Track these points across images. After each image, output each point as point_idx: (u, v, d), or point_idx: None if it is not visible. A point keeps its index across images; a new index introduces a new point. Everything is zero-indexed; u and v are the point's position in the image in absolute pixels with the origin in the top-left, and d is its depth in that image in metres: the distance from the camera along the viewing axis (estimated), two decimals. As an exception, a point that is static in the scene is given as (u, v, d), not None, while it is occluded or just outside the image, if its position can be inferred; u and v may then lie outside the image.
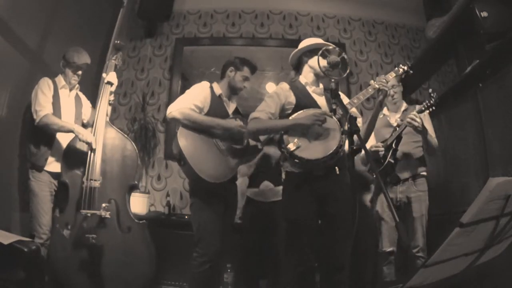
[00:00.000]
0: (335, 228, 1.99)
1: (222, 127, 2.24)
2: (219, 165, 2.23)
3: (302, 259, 1.99)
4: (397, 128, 2.46)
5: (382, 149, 2.49)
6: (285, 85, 2.24)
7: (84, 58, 2.54)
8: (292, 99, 2.17)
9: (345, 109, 1.79)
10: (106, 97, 2.50)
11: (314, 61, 2.13)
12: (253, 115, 2.14)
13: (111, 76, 2.57)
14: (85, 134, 2.35)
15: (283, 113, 2.17)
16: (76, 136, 2.35)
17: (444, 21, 3.21)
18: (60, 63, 2.56)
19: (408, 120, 2.35)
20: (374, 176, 2.68)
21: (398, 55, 4.23)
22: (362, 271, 2.85)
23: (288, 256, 2.11)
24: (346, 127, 1.74)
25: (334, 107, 1.83)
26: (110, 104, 2.62)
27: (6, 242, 1.80)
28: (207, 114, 2.30)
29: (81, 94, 2.71)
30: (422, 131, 2.41)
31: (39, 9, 2.78)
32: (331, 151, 1.93)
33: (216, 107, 2.35)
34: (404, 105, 2.75)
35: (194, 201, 2.27)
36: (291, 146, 1.97)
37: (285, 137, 2.03)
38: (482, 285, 1.55)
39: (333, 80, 1.87)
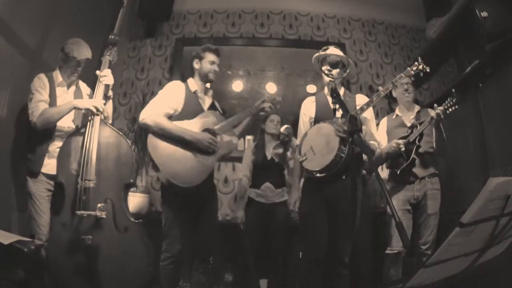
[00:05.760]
0: (336, 224, 2.16)
1: (193, 138, 2.22)
2: (193, 168, 2.22)
3: (310, 251, 2.21)
4: (418, 126, 2.47)
5: (403, 146, 2.47)
6: (309, 99, 2.46)
7: (84, 53, 2.40)
8: (312, 112, 2.37)
9: (345, 109, 1.79)
10: (100, 93, 2.36)
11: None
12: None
13: (107, 79, 2.38)
14: (85, 102, 2.27)
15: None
16: (77, 109, 2.29)
17: (444, 21, 3.21)
18: (59, 56, 2.43)
19: (434, 114, 2.37)
20: (376, 177, 2.68)
21: (398, 55, 4.23)
22: (363, 269, 2.86)
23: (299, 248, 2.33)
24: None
25: (333, 107, 1.83)
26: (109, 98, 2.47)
27: (6, 242, 1.80)
28: (182, 112, 2.30)
29: (81, 84, 2.57)
30: (439, 127, 2.47)
31: (39, 9, 2.78)
32: (326, 165, 2.08)
33: (190, 104, 2.34)
34: (417, 107, 2.75)
35: (163, 199, 2.33)
36: (300, 157, 2.22)
37: (298, 148, 2.28)
38: (482, 285, 1.55)
39: (332, 80, 1.87)
